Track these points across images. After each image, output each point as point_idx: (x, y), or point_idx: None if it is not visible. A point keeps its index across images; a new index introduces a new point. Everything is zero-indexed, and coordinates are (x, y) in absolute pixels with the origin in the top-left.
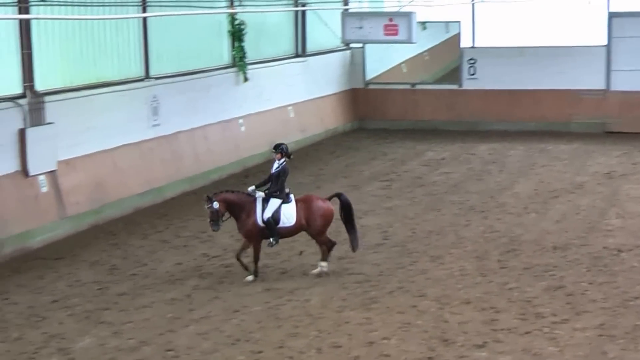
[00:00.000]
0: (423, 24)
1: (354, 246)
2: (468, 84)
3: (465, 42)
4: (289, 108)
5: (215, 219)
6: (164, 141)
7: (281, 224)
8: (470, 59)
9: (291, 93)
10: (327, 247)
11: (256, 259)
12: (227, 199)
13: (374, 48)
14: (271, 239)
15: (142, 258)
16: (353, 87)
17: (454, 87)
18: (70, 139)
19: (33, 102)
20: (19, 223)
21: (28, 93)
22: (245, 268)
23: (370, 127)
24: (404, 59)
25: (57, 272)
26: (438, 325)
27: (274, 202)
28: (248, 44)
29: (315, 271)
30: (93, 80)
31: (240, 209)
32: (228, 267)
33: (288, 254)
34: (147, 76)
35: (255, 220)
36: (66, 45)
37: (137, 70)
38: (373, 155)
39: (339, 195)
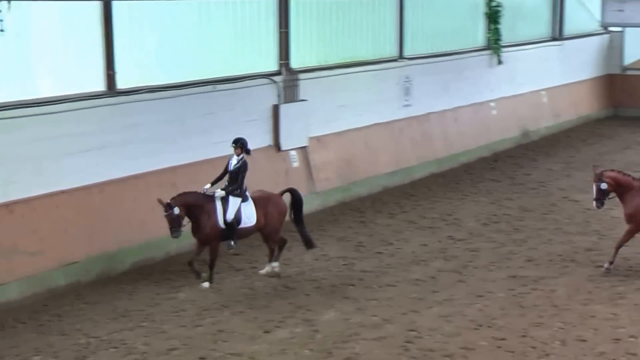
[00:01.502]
0: None
1: (310, 244)
2: None
3: None
4: (542, 92)
5: (177, 225)
6: (415, 122)
7: (242, 224)
8: None
9: (545, 77)
10: (279, 245)
11: (213, 263)
12: (187, 201)
13: (634, 32)
14: (232, 242)
15: (388, 237)
16: (609, 73)
17: None
18: (322, 116)
19: (288, 80)
20: None
21: (283, 70)
22: (198, 275)
23: (626, 114)
24: None
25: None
26: None
27: (235, 202)
28: (504, 26)
29: (263, 271)
30: (347, 59)
31: (199, 211)
32: (473, 251)
33: (535, 242)
34: (401, 56)
35: (216, 221)
36: (322, 24)
37: (391, 50)
38: (627, 144)
39: (291, 191)
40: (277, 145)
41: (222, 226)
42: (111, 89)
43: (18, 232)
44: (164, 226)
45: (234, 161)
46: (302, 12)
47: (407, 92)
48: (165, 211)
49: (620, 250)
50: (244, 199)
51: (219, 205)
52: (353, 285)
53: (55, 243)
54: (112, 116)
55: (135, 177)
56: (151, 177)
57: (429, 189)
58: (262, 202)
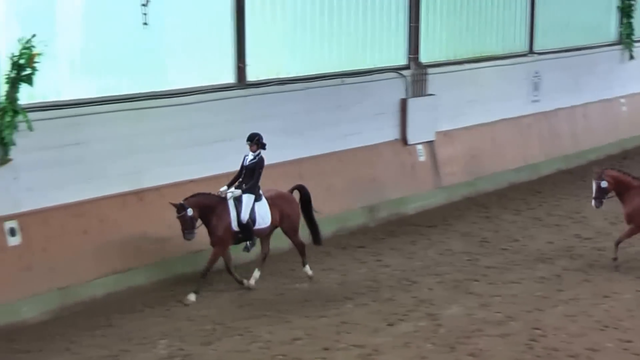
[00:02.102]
0: None
1: (318, 241)
2: None
3: None
4: None
5: (190, 227)
6: (543, 117)
7: (257, 226)
8: None
9: None
10: (300, 250)
11: (206, 271)
12: (200, 202)
13: None
14: (247, 244)
15: (514, 233)
16: None
17: None
18: (450, 110)
19: (416, 74)
20: (395, 189)
21: (412, 65)
22: (240, 281)
23: None
24: None
25: (429, 240)
26: None
27: (248, 201)
28: (637, 20)
29: (308, 273)
30: (476, 54)
31: (212, 212)
32: (600, 250)
33: None
34: (531, 51)
35: (230, 223)
36: (452, 19)
37: (521, 45)
38: None
39: (300, 188)
40: (404, 139)
41: (236, 229)
42: (241, 81)
43: (147, 220)
44: None
45: (249, 157)
46: (433, 6)
47: (535, 87)
48: (179, 212)
49: None
50: (258, 198)
51: (232, 206)
52: (477, 280)
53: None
54: (241, 108)
55: None
56: (278, 169)
57: (555, 186)
58: (277, 201)
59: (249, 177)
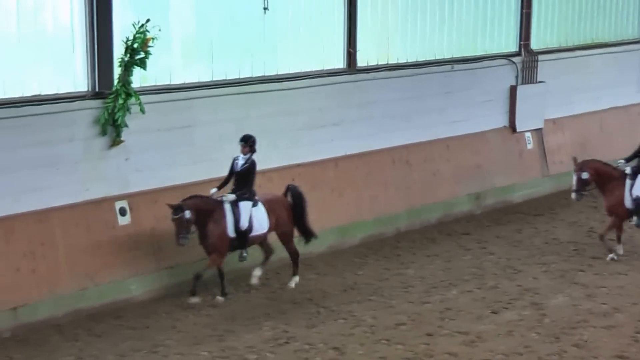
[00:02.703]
0: None
1: (308, 236)
2: None
3: None
4: None
5: (186, 231)
6: None
7: (254, 232)
8: None
9: None
10: (294, 258)
11: (222, 274)
12: (198, 206)
13: None
14: (243, 252)
15: None
16: None
17: None
18: (560, 98)
19: (527, 61)
20: (502, 177)
21: (523, 51)
22: (224, 293)
23: None
24: None
25: (535, 228)
26: None
27: (246, 207)
28: None
29: (292, 284)
30: (588, 40)
31: (208, 217)
32: None
33: None
34: None
35: (225, 229)
36: (565, 5)
37: (633, 32)
38: None
39: (290, 189)
40: (512, 127)
41: (232, 235)
42: (351, 66)
43: None
44: (395, 203)
45: (240, 161)
46: None
47: None
48: (175, 213)
49: None
50: (254, 204)
51: (228, 211)
52: (583, 271)
53: None
54: (350, 93)
55: (369, 153)
56: (384, 154)
57: None
58: (273, 206)
59: (242, 182)
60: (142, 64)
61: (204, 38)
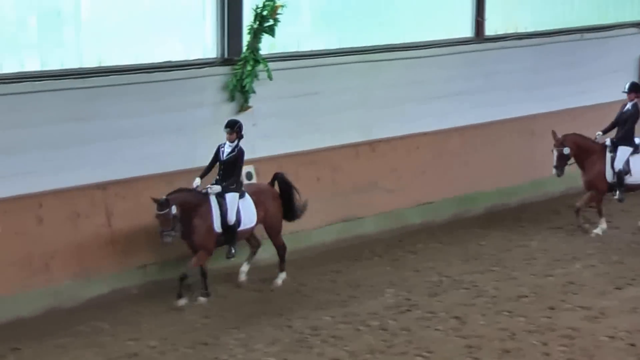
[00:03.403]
0: None
1: (293, 215)
2: None
3: None
4: None
5: (170, 228)
6: None
7: (242, 227)
8: None
9: None
10: (283, 251)
11: (205, 273)
12: (184, 200)
13: None
14: (232, 248)
15: None
16: None
17: None
18: None
19: None
20: None
21: None
22: (206, 293)
23: None
24: None
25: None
26: None
27: (233, 199)
28: None
29: (279, 281)
30: None
31: (194, 212)
32: None
33: None
34: None
35: (212, 224)
36: None
37: None
38: None
39: (279, 178)
40: None
41: (219, 230)
42: (479, 35)
43: (378, 170)
44: (518, 174)
45: (226, 149)
46: None
47: None
48: (161, 209)
49: None
50: (241, 195)
51: (214, 204)
52: None
53: (412, 182)
54: (476, 62)
55: (494, 123)
56: (509, 124)
57: None
58: (260, 197)
59: (228, 172)
60: (271, 31)
61: (331, 6)
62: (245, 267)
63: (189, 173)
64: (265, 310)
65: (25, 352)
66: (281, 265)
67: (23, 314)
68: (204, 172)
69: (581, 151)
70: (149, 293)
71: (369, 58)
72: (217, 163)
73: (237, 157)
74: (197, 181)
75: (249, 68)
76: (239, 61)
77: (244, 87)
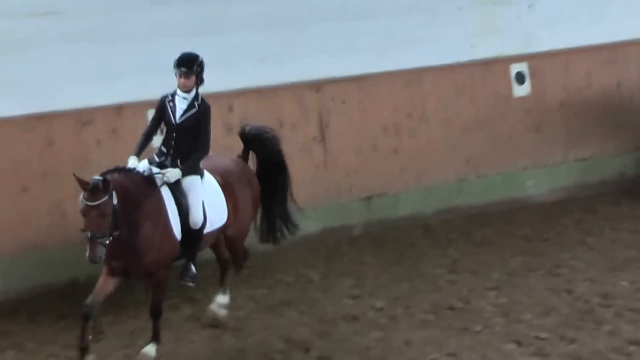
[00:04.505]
0: None
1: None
2: None
3: None
4: None
5: (108, 227)
6: None
7: (208, 228)
8: None
9: None
10: (242, 261)
11: (159, 309)
12: (125, 188)
13: None
14: (192, 266)
15: None
16: None
17: None
18: None
19: None
20: None
21: None
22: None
23: None
24: None
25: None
26: None
27: (196, 186)
28: None
29: (219, 312)
30: None
31: (137, 210)
32: None
33: None
34: None
35: (171, 231)
36: None
37: None
38: None
39: (254, 139)
40: None
41: (178, 237)
42: None
43: None
44: None
45: (180, 103)
46: None
47: None
48: (92, 195)
49: None
50: (202, 177)
51: (168, 199)
52: None
53: None
54: None
55: None
56: None
57: None
58: (229, 178)
59: (185, 143)
60: None
61: None
62: (222, 298)
63: (437, 73)
64: (533, 266)
65: None
66: (228, 279)
67: None
68: (141, 145)
69: None
70: None
71: None
72: (163, 128)
73: (200, 118)
74: (133, 160)
75: None
76: None
77: None
